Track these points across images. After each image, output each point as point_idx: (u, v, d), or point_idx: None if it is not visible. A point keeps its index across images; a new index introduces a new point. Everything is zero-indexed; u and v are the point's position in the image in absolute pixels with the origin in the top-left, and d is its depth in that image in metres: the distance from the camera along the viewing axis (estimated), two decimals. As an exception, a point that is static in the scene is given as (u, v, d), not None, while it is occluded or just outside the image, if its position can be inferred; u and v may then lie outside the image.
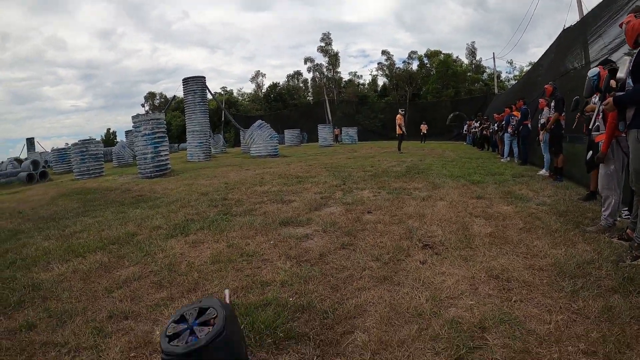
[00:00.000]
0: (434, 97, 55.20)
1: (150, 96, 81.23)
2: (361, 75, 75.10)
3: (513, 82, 55.75)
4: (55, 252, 4.92)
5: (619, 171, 4.63)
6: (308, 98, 71.13)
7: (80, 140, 17.25)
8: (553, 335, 2.45)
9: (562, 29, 11.05)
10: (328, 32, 64.72)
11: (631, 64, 3.53)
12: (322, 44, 63.17)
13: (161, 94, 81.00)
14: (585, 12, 13.88)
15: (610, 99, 3.74)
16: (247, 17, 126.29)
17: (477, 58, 61.96)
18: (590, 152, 5.20)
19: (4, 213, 8.67)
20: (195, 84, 22.94)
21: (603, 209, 4.73)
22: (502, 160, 14.19)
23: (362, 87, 69.56)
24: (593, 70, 4.59)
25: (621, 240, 4.09)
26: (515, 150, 13.46)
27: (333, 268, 3.85)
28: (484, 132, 20.78)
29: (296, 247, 4.53)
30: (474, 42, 76.55)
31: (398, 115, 19.76)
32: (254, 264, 4.06)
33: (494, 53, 59.08)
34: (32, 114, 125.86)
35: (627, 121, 3.71)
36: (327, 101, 56.65)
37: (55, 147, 25.99)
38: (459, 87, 57.70)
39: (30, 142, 42.79)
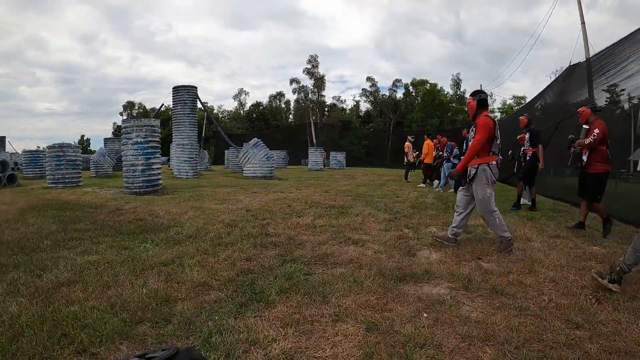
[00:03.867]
0: (418, 126, 54.36)
1: (129, 105, 78.29)
2: (344, 100, 74.22)
3: (497, 114, 56.06)
4: (30, 334, 2.75)
5: (493, 193, 5.19)
6: (289, 120, 69.64)
7: (56, 144, 14.78)
8: None
9: (568, 65, 11.55)
10: (315, 55, 63.40)
11: None
12: (309, 66, 61.91)
13: (140, 104, 78.38)
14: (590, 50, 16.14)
15: None
16: (231, 35, 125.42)
17: (462, 89, 61.92)
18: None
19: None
20: (186, 93, 20.94)
21: (496, 230, 5.17)
22: (435, 190, 13.94)
23: (344, 112, 68.49)
24: None
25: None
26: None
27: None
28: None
29: (466, 324, 2.98)
30: (459, 73, 77.07)
31: (407, 143, 18.20)
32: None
33: (481, 85, 59.09)
34: (6, 113, 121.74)
35: None
36: (312, 124, 55.06)
37: (26, 149, 23.16)
38: (443, 117, 57.53)
39: (1, 141, 39.24)
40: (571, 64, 11.40)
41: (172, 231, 5.91)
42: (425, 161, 15.52)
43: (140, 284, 3.66)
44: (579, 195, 6.73)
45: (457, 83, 62.08)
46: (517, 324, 2.93)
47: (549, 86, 13.61)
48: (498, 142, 5.18)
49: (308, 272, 4.14)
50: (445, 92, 62.50)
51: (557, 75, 14.50)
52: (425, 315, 3.11)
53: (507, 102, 58.95)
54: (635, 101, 8.28)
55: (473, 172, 5.15)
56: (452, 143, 13.71)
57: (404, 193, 12.09)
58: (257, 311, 3.15)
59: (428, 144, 15.38)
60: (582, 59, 10.26)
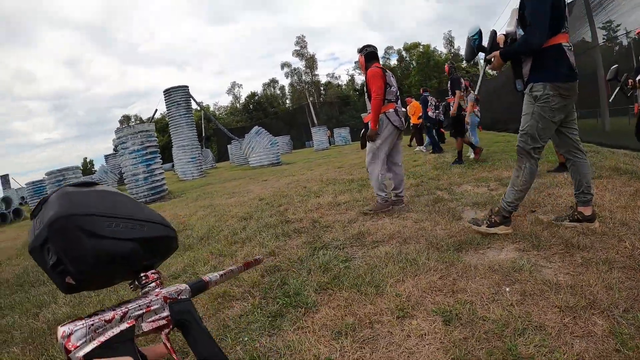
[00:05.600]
0: (417, 90, 53.30)
1: (125, 119, 77.97)
2: (339, 76, 73.10)
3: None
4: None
5: (384, 146, 4.81)
6: (287, 105, 68.73)
7: (55, 169, 14.24)
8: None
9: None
10: (302, 36, 62.38)
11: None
12: (298, 48, 60.79)
13: (136, 116, 77.96)
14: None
15: (495, 53, 3.29)
16: (213, 32, 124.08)
17: (456, 47, 60.46)
18: (363, 130, 5.11)
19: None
20: (177, 94, 20.18)
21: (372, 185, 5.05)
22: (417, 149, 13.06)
23: (340, 88, 67.37)
24: (473, 28, 3.67)
25: (574, 222, 3.38)
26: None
27: None
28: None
29: (559, 291, 2.32)
30: (450, 30, 75.23)
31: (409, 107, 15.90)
32: None
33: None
34: (5, 151, 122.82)
35: (524, 78, 3.21)
36: (310, 104, 54.12)
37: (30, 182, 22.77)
38: (441, 77, 56.41)
39: (4, 179, 39.00)
40: (568, 2, 10.68)
41: (181, 236, 5.26)
42: (412, 122, 14.06)
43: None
44: None
45: (450, 41, 60.63)
46: (614, 282, 2.32)
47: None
48: (393, 89, 4.86)
49: (346, 258, 3.43)
50: (439, 52, 61.07)
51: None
52: (507, 289, 2.44)
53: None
54: (632, 35, 7.78)
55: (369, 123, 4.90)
56: (425, 94, 12.23)
57: (420, 157, 11.32)
58: (296, 321, 2.45)
59: (414, 105, 13.87)
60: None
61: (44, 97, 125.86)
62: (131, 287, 1.04)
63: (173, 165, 26.93)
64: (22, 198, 26.74)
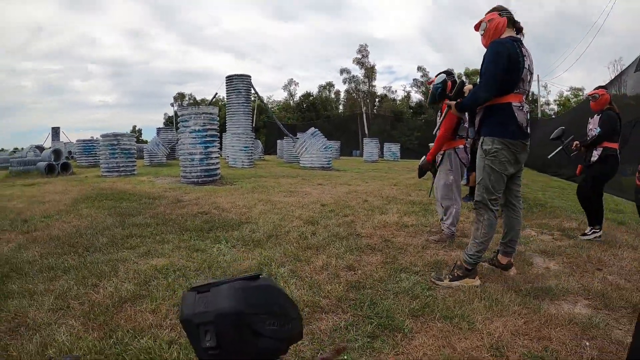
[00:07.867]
0: (475, 118, 52.22)
1: (180, 97, 79.44)
2: (395, 91, 72.36)
3: (553, 106, 53.49)
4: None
5: (458, 181, 4.81)
6: (339, 110, 68.62)
7: (111, 133, 14.46)
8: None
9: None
10: (365, 44, 62.21)
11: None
12: (359, 56, 60.63)
13: (191, 95, 79.33)
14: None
15: (452, 103, 3.58)
16: (276, 27, 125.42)
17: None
18: (422, 158, 5.06)
19: (3, 219, 5.81)
20: (240, 82, 20.25)
21: (445, 218, 4.87)
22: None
23: (395, 102, 66.71)
24: (439, 78, 4.35)
25: (492, 265, 3.78)
26: None
27: None
28: None
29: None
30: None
31: None
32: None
33: (538, 75, 55.82)
34: (61, 106, 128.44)
35: (475, 127, 3.50)
36: (364, 114, 53.84)
37: (80, 139, 23.27)
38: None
39: (55, 131, 40.45)
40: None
41: (245, 229, 5.11)
42: None
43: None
44: None
45: (511, 73, 59.09)
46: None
47: (617, 77, 12.88)
48: (465, 124, 4.74)
49: (429, 286, 3.36)
50: (500, 82, 59.76)
51: (616, 65, 14.27)
52: (587, 343, 2.51)
53: (564, 94, 55.48)
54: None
55: (439, 158, 4.95)
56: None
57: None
58: (394, 345, 2.39)
59: None
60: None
61: (104, 62, 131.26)
62: None
63: (221, 149, 27.18)
64: (70, 152, 27.46)
